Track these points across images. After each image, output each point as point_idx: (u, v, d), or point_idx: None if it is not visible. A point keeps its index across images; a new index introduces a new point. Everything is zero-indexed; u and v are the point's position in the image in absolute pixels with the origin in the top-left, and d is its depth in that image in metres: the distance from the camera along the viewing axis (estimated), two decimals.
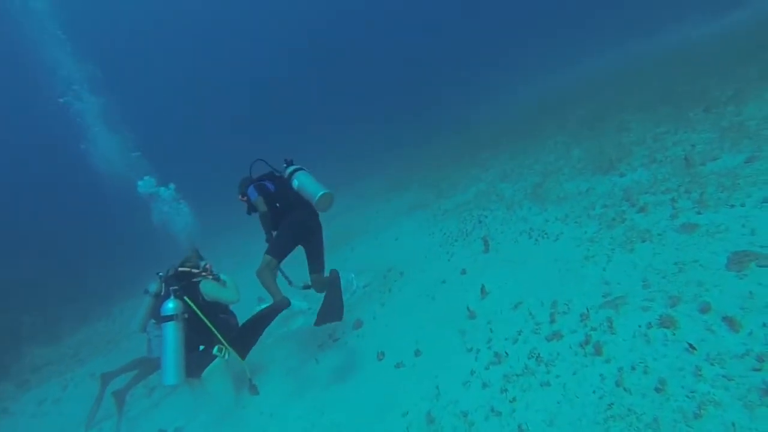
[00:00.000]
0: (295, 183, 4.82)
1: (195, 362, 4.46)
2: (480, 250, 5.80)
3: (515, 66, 28.63)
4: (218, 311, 4.74)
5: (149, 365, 5.62)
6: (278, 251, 4.67)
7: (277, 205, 4.84)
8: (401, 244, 7.73)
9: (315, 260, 5.21)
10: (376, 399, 3.81)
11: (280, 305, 4.31)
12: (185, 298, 4.47)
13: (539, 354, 3.33)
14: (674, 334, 2.88)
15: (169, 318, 4.32)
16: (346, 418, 3.78)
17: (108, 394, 5.52)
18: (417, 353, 4.14)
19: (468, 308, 4.35)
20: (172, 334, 4.28)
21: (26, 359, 10.76)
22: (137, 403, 5.94)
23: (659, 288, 3.40)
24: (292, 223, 4.80)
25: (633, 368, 2.77)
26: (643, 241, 4.19)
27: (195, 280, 4.75)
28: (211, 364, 4.52)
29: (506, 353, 3.53)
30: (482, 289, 4.63)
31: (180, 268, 4.80)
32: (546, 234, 5.36)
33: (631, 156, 6.51)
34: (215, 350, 4.50)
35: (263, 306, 6.51)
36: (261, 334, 4.55)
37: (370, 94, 38.48)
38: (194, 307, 4.43)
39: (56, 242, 17.96)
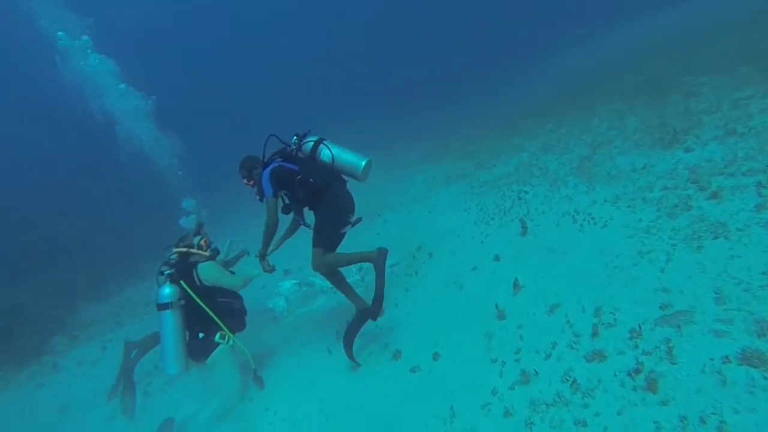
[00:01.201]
0: (326, 155, 4.19)
1: (197, 349, 4.11)
2: (517, 232, 5.04)
3: (565, 28, 26.18)
4: (218, 295, 4.25)
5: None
6: (329, 241, 4.16)
7: (311, 180, 4.12)
8: (434, 219, 7.05)
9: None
10: (385, 410, 3.28)
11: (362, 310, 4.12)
12: (182, 282, 4.02)
13: (575, 378, 2.66)
14: (766, 378, 2.12)
15: (165, 306, 3.91)
16: (350, 429, 3.30)
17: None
18: (436, 356, 3.55)
19: (497, 306, 3.69)
20: (170, 322, 3.90)
21: (79, 315, 11.12)
22: (157, 377, 5.75)
23: (740, 305, 2.61)
24: (336, 202, 4.18)
25: (702, 421, 2.06)
26: (716, 238, 3.34)
27: (192, 260, 4.27)
28: (216, 351, 4.13)
29: (536, 372, 2.87)
30: (515, 283, 3.94)
31: (175, 249, 4.32)
32: (592, 218, 4.54)
33: (701, 127, 5.45)
34: (217, 337, 4.11)
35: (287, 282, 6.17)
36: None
37: (410, 61, 36.35)
38: (191, 293, 4.01)
39: (106, 200, 18.40)
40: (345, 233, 4.34)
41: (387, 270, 5.87)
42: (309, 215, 4.37)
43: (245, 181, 4.41)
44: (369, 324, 4.64)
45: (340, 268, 4.30)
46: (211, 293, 4.15)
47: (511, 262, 4.50)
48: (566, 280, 3.74)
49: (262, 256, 4.27)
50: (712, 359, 2.33)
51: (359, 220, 4.43)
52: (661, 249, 3.52)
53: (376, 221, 8.36)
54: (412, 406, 3.18)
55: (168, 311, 3.90)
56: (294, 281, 6.05)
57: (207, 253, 4.40)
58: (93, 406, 5.56)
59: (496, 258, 4.68)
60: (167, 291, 3.94)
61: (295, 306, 5.78)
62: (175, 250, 4.31)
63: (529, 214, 5.42)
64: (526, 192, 6.20)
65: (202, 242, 4.44)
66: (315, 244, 4.14)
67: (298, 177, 4.14)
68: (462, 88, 23.53)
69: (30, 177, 21.18)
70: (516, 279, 3.96)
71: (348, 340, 4.00)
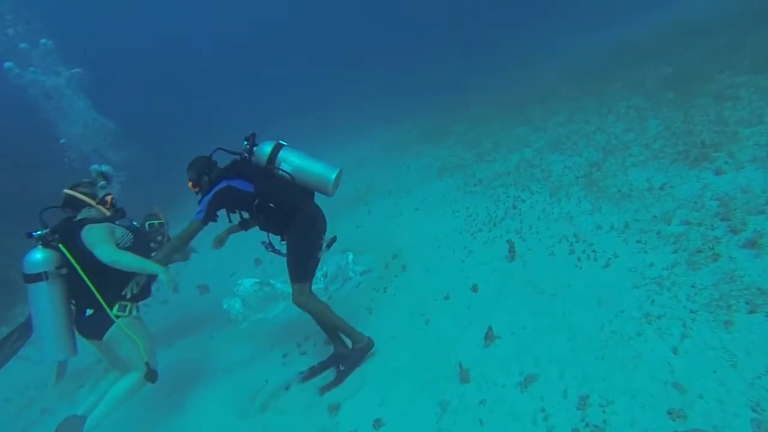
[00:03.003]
0: (287, 168, 3.28)
1: (87, 326, 3.15)
2: (504, 255, 4.16)
3: (592, 3, 24.05)
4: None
5: None
6: (306, 273, 3.31)
7: (271, 205, 3.25)
8: (419, 218, 6.15)
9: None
10: None
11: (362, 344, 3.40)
12: (60, 245, 2.99)
13: None
14: None
15: (36, 277, 2.93)
16: None
17: None
18: (377, 425, 2.77)
19: (461, 365, 2.87)
20: (44, 297, 2.96)
21: None
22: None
23: None
24: (307, 228, 3.33)
25: None
26: (753, 312, 2.45)
27: (81, 218, 3.17)
28: (115, 325, 3.11)
29: None
30: (489, 332, 3.10)
31: (67, 191, 3.21)
32: (594, 251, 3.63)
33: (737, 142, 4.42)
34: (115, 310, 3.09)
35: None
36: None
37: (415, 27, 32.70)
38: (70, 258, 2.96)
39: None
40: (320, 258, 3.48)
41: (359, 277, 5.14)
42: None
43: (190, 184, 3.43)
44: (320, 347, 3.90)
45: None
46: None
47: (489, 297, 3.64)
48: (550, 338, 2.89)
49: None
50: None
51: (334, 240, 3.56)
52: (675, 315, 2.64)
53: (360, 210, 7.51)
54: None
55: (42, 283, 2.94)
56: (255, 280, 5.26)
57: (107, 212, 3.31)
58: None
59: (474, 288, 3.82)
60: (38, 257, 2.94)
61: (251, 310, 5.02)
62: (66, 191, 3.21)
63: (522, 231, 4.52)
64: (523, 201, 5.26)
65: (107, 197, 3.34)
66: (293, 280, 3.30)
67: (256, 201, 3.25)
68: (476, 59, 21.88)
69: None
70: (490, 327, 3.12)
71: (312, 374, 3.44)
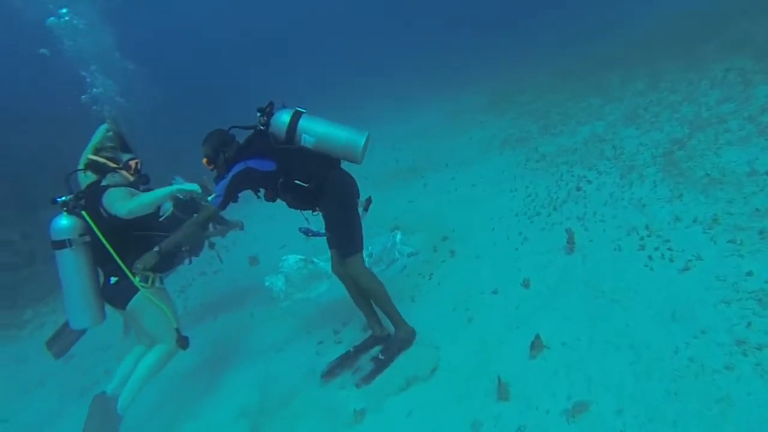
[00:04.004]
0: (309, 140, 2.92)
1: (112, 294, 3.09)
2: (561, 245, 3.61)
3: None
4: (133, 227, 3.03)
5: None
6: (354, 242, 3.07)
7: (297, 182, 2.94)
8: (475, 196, 5.64)
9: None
10: None
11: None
12: (84, 213, 2.89)
13: None
14: None
15: (61, 244, 2.86)
16: None
17: None
18: None
19: (500, 379, 2.47)
20: (69, 264, 2.90)
21: None
22: None
23: None
24: (341, 195, 3.05)
25: None
26: None
27: (105, 184, 3.07)
28: (137, 296, 3.02)
29: None
30: (535, 342, 2.65)
31: (90, 156, 3.09)
32: (670, 250, 2.99)
33: None
34: (137, 280, 2.96)
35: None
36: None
37: None
38: (93, 225, 2.86)
39: None
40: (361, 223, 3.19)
41: (405, 259, 4.80)
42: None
43: (205, 161, 3.12)
44: (354, 335, 3.65)
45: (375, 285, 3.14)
46: (123, 225, 2.96)
47: (541, 296, 3.15)
48: (609, 356, 2.39)
49: (161, 252, 2.92)
50: None
51: (369, 201, 3.23)
52: None
53: (415, 183, 7.10)
54: None
55: (67, 250, 2.86)
56: (299, 256, 5.09)
57: (131, 177, 3.17)
58: None
59: (525, 284, 3.33)
60: (63, 224, 2.87)
61: (294, 288, 4.88)
62: (89, 156, 3.09)
63: (585, 218, 3.90)
64: (589, 181, 4.57)
65: (131, 162, 3.18)
66: (347, 254, 3.06)
67: (280, 181, 2.96)
68: (548, 17, 19.89)
69: None
70: (538, 335, 2.67)
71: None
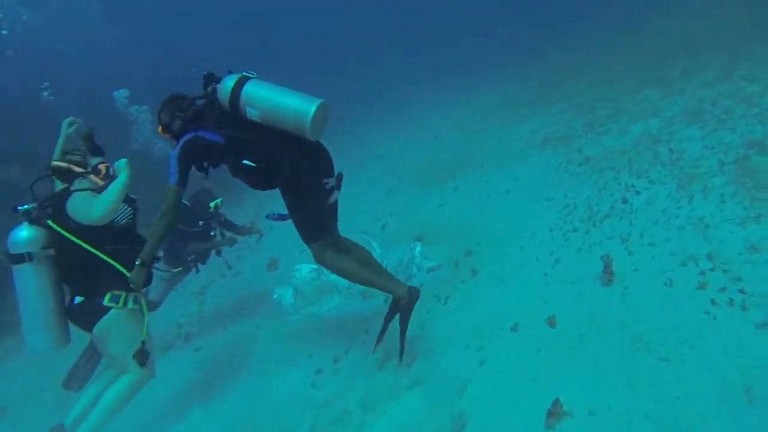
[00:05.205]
0: (254, 113, 2.47)
1: (78, 315, 2.77)
2: (597, 274, 2.97)
3: None
4: (105, 238, 2.69)
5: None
6: (315, 229, 2.74)
7: (245, 162, 2.56)
8: (507, 204, 5.00)
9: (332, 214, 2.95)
10: None
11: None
12: (50, 221, 2.61)
13: None
14: None
15: (19, 258, 2.54)
16: None
17: None
18: None
19: None
20: (28, 281, 2.57)
21: None
22: None
23: None
24: (301, 178, 2.63)
25: None
26: None
27: (72, 189, 2.77)
28: (106, 317, 2.71)
29: None
30: (555, 406, 2.08)
31: (54, 163, 2.80)
32: (741, 292, 2.30)
33: None
34: (107, 299, 2.68)
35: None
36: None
37: None
38: (66, 234, 2.58)
39: None
40: (335, 202, 2.85)
41: (424, 275, 4.30)
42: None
43: (160, 129, 2.77)
44: (361, 361, 3.23)
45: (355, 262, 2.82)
46: (92, 235, 2.63)
47: (568, 340, 2.54)
48: None
49: (145, 264, 2.66)
50: None
51: (341, 177, 2.83)
52: None
53: (446, 186, 6.52)
54: None
55: (26, 265, 2.54)
56: (313, 266, 4.71)
57: (100, 182, 2.85)
58: None
59: (551, 322, 2.73)
60: (23, 235, 2.56)
61: (304, 301, 4.52)
62: (53, 163, 2.79)
63: (629, 240, 3.21)
64: (638, 192, 3.83)
65: (101, 166, 2.87)
66: (306, 241, 2.77)
67: (230, 162, 2.63)
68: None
69: None
70: (558, 399, 2.10)
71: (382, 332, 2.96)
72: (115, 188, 2.68)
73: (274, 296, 4.55)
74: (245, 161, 2.55)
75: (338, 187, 2.81)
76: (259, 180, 2.69)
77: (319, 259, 2.82)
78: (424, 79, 16.52)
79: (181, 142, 2.55)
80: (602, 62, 10.14)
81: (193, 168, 2.64)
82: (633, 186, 3.97)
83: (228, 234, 4.79)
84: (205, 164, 2.71)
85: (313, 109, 2.41)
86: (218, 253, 4.75)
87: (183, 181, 2.52)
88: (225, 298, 5.75)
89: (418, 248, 4.45)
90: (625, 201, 3.79)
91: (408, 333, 2.86)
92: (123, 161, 2.80)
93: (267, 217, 2.89)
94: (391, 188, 7.54)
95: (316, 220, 2.74)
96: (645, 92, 6.61)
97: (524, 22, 20.55)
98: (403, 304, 2.75)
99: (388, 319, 2.90)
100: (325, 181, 2.73)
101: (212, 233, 4.73)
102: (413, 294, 2.76)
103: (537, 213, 4.40)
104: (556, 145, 6.26)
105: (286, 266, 5.93)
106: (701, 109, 4.98)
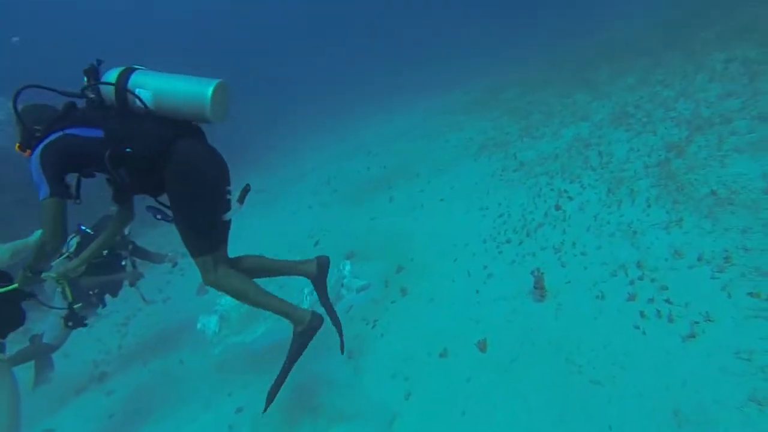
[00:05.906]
0: (147, 96, 2.10)
1: None
2: (530, 289, 2.80)
3: None
4: None
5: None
6: (203, 240, 2.23)
7: (129, 150, 2.09)
8: (442, 213, 4.80)
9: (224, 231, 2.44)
10: None
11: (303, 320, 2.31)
12: None
13: None
14: None
15: None
16: None
17: None
18: None
19: None
20: None
21: None
22: None
23: None
24: (191, 171, 2.16)
25: None
26: None
27: None
28: None
29: None
30: None
31: None
32: (670, 304, 2.18)
33: None
34: None
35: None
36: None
37: None
38: None
39: None
40: (229, 220, 2.34)
41: (354, 296, 3.99)
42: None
43: (17, 147, 2.22)
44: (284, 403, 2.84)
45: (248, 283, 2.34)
46: None
47: (499, 367, 2.33)
48: None
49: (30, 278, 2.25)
50: None
51: (247, 190, 2.36)
52: None
53: (382, 196, 6.23)
54: None
55: None
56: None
57: None
58: None
59: (481, 346, 2.52)
60: None
61: (229, 330, 4.09)
62: None
63: (562, 249, 3.09)
64: (570, 198, 3.75)
65: None
66: (192, 254, 2.24)
67: (108, 153, 2.08)
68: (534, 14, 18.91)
69: None
70: None
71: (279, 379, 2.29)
72: None
73: (198, 326, 4.09)
74: (128, 149, 2.08)
75: (241, 201, 2.34)
76: (145, 175, 2.16)
77: (205, 277, 2.27)
78: (367, 90, 16.39)
79: (42, 144, 2.06)
80: (550, 59, 10.34)
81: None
82: (566, 191, 3.89)
83: (130, 269, 4.21)
84: (85, 169, 2.19)
85: (210, 89, 2.08)
86: (131, 284, 4.21)
87: (58, 189, 2.04)
88: (149, 328, 5.14)
89: (347, 267, 4.15)
90: (558, 208, 3.70)
91: (336, 358, 2.52)
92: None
93: (147, 209, 2.28)
94: (327, 201, 7.20)
95: (207, 228, 2.24)
96: (575, 96, 6.73)
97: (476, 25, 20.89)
98: (298, 330, 2.31)
99: (297, 351, 2.37)
100: (227, 188, 2.30)
101: (123, 263, 4.18)
102: (315, 321, 2.33)
103: (470, 222, 4.24)
104: (492, 151, 6.20)
105: (215, 290, 5.45)
106: (626, 112, 5.07)
